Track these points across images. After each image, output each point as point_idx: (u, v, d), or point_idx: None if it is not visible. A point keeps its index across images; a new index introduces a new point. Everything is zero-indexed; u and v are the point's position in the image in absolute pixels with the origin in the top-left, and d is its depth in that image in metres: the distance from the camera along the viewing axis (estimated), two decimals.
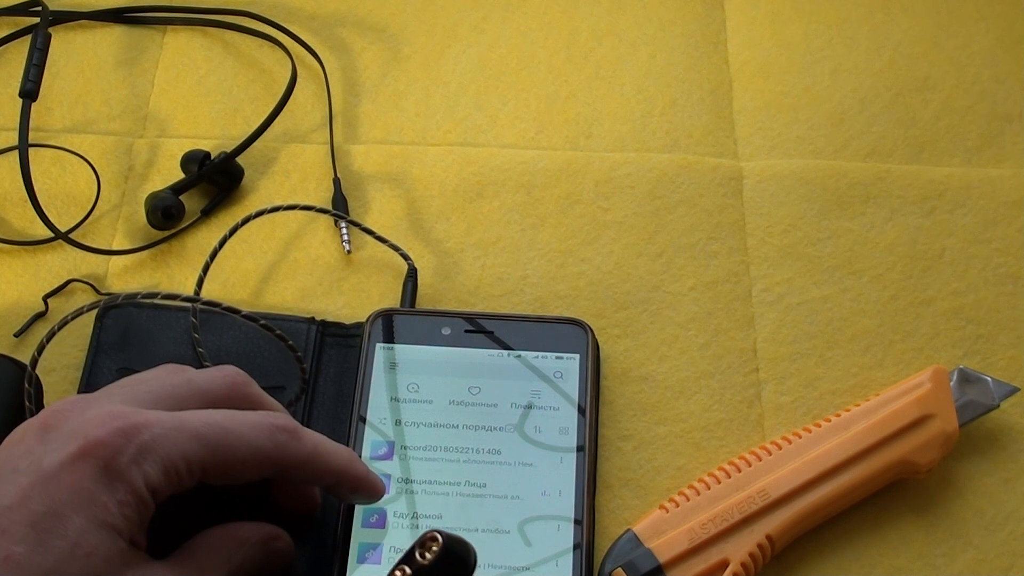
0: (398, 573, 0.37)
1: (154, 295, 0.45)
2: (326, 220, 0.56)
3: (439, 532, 0.37)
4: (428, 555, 0.37)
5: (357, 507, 0.46)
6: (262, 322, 0.46)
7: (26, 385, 0.45)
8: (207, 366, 0.49)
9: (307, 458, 0.40)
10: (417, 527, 0.45)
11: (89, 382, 0.49)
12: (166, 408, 0.39)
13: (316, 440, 0.41)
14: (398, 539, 0.45)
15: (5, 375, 0.47)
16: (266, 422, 0.39)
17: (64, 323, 0.45)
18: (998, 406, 0.49)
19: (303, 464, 0.40)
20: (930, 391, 0.48)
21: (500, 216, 0.56)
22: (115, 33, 0.63)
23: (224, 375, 0.42)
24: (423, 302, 0.53)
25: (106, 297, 0.45)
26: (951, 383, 0.49)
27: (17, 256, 0.55)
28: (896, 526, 0.48)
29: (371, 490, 0.43)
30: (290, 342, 0.47)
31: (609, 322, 0.53)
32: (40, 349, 0.45)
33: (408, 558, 0.37)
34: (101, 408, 0.37)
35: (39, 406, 0.47)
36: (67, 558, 0.34)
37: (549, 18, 0.64)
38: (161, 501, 0.37)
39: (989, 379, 0.49)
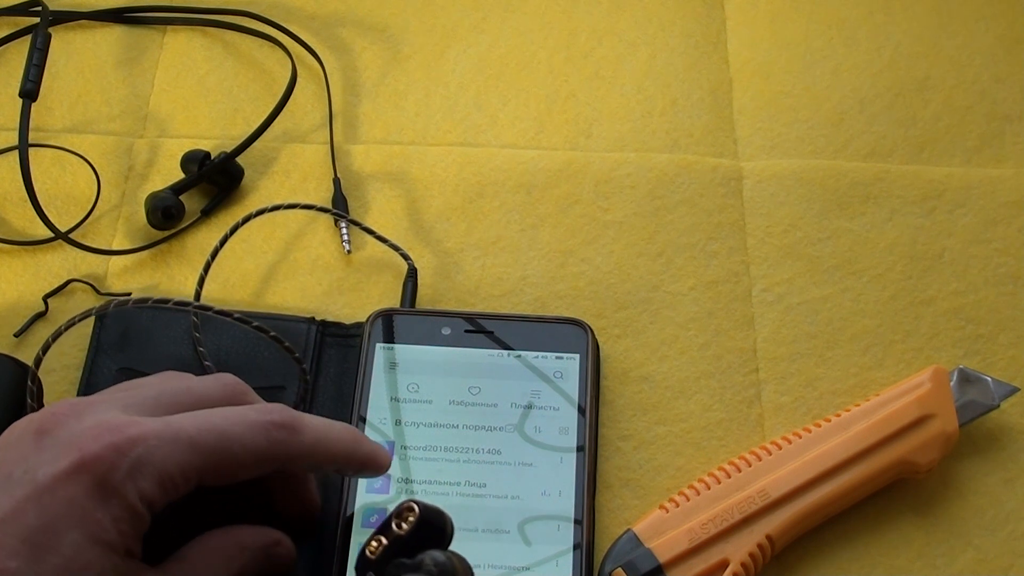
0: (374, 543, 0.37)
1: (144, 301, 0.44)
2: (326, 220, 0.56)
3: (415, 502, 0.37)
4: (405, 525, 0.37)
5: (357, 509, 0.45)
6: (255, 324, 0.45)
7: (29, 383, 0.45)
8: (208, 366, 0.49)
9: (308, 451, 0.39)
10: None
11: (89, 382, 0.49)
12: (165, 415, 0.38)
13: (317, 430, 0.40)
14: None
15: (7, 375, 0.47)
16: (263, 420, 0.38)
17: (71, 324, 0.45)
18: (998, 406, 0.49)
19: (304, 457, 0.39)
20: (930, 391, 0.48)
21: (500, 216, 0.56)
22: (115, 33, 0.63)
23: (222, 384, 0.41)
24: (423, 302, 0.53)
25: (114, 299, 0.45)
26: (951, 383, 0.49)
27: (17, 256, 0.55)
28: (896, 526, 0.48)
29: (376, 466, 0.42)
30: (287, 343, 0.46)
31: (609, 322, 0.53)
32: (45, 348, 0.44)
33: (385, 528, 0.37)
34: (96, 417, 0.37)
35: (40, 406, 0.47)
36: (61, 574, 0.34)
37: (549, 18, 0.64)
38: (157, 512, 0.36)
39: (989, 379, 0.49)
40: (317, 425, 0.40)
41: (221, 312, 0.44)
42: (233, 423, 0.38)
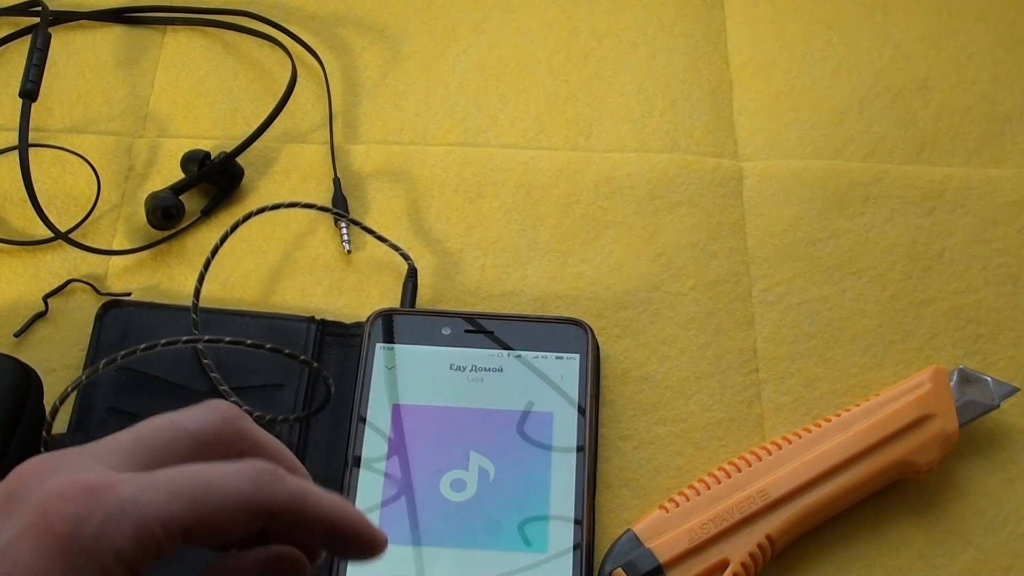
0: None
1: (153, 346, 0.44)
2: (326, 220, 0.56)
3: None
4: None
5: (356, 507, 0.45)
6: (268, 346, 0.45)
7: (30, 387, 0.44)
8: (208, 364, 0.49)
9: (292, 501, 0.34)
10: (417, 528, 0.45)
11: (89, 382, 0.49)
12: (147, 456, 0.34)
13: (303, 484, 0.35)
14: None
15: (8, 375, 0.47)
16: (247, 466, 0.34)
17: (77, 385, 0.44)
18: (998, 406, 0.49)
19: (289, 506, 0.34)
20: (930, 391, 0.48)
21: (500, 216, 0.56)
22: (115, 33, 0.63)
23: (212, 410, 0.36)
24: (423, 302, 0.53)
25: (115, 357, 0.44)
26: (951, 383, 0.49)
27: (17, 256, 0.55)
28: (896, 526, 0.48)
29: (369, 543, 0.36)
30: (303, 357, 0.46)
31: (609, 322, 0.53)
32: (62, 398, 0.44)
33: None
34: (64, 476, 0.32)
35: (38, 406, 0.47)
36: None
37: (549, 18, 0.64)
38: (143, 571, 0.32)
39: (989, 379, 0.49)
40: (303, 481, 0.35)
41: (232, 341, 0.44)
42: (212, 470, 0.34)
